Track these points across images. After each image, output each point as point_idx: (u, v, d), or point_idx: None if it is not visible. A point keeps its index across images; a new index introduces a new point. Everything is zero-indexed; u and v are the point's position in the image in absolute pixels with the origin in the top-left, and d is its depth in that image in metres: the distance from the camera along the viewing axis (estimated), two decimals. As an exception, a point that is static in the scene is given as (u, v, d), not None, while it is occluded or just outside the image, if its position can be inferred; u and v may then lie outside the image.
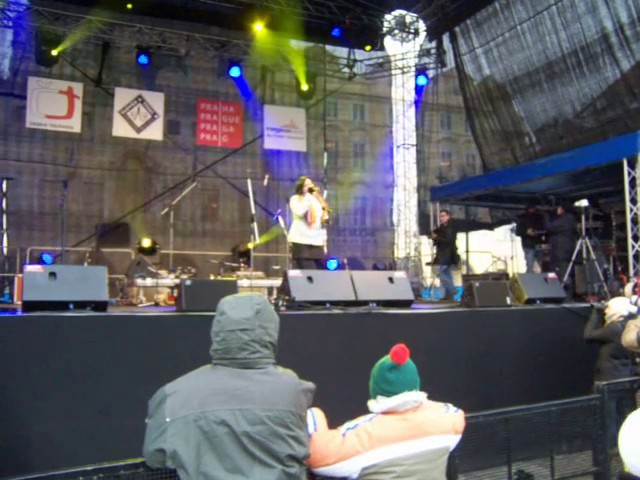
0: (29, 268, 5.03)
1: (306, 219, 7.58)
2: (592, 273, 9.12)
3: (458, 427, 2.53)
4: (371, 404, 2.47)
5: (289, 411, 2.13)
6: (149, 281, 8.72)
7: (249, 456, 2.03)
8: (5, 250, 11.79)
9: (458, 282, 15.44)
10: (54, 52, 13.33)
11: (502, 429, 3.01)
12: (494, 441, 3.00)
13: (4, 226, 11.73)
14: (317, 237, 7.76)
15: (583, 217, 9.47)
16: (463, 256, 16.88)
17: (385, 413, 2.40)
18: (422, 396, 2.45)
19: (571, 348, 6.28)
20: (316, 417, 2.39)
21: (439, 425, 2.45)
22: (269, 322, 2.23)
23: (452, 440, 2.51)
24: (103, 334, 4.68)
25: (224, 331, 2.16)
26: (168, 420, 2.04)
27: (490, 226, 16.44)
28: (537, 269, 12.22)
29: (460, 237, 16.30)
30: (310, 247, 7.65)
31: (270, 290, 8.92)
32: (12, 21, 13.53)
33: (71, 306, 4.82)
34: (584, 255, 9.38)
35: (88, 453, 3.99)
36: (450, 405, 2.59)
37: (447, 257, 11.88)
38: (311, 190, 7.76)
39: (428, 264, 13.84)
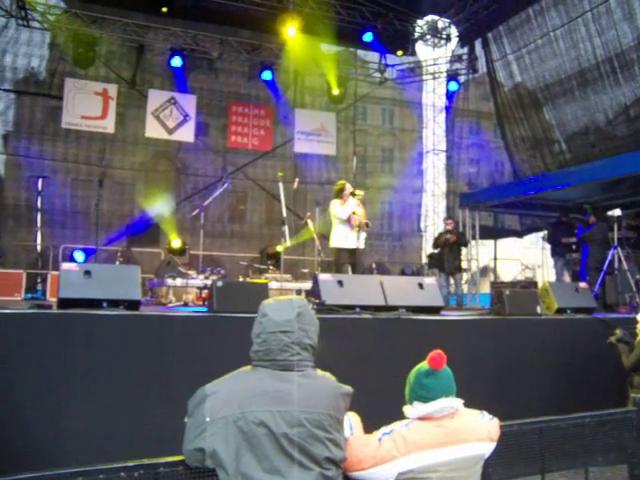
0: (65, 266, 5.09)
1: (349, 223, 7.63)
2: (623, 283, 8.99)
3: (493, 435, 2.52)
4: (407, 409, 2.46)
5: (328, 414, 2.15)
6: (179, 281, 8.81)
7: (287, 458, 2.05)
8: (39, 247, 12.00)
9: (486, 289, 15.33)
10: (90, 54, 13.57)
11: (536, 439, 2.98)
12: (528, 451, 2.98)
13: (38, 224, 11.94)
14: (360, 240, 7.82)
15: (615, 226, 9.35)
16: (491, 263, 16.77)
17: (421, 419, 2.40)
18: (458, 402, 2.45)
19: (602, 359, 6.17)
20: (352, 421, 2.40)
21: (475, 432, 2.44)
22: (309, 325, 2.26)
23: (487, 448, 2.50)
24: (136, 332, 4.74)
25: (265, 333, 2.19)
26: (208, 420, 2.07)
27: (519, 233, 16.28)
28: (566, 278, 12.07)
29: (488, 244, 16.23)
30: (351, 251, 7.69)
31: (298, 293, 8.95)
32: (51, 24, 13.79)
33: (105, 304, 4.88)
34: (615, 265, 9.25)
35: (119, 451, 4.03)
36: (485, 412, 2.58)
37: (458, 264, 11.86)
38: (353, 194, 7.87)
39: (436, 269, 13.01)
